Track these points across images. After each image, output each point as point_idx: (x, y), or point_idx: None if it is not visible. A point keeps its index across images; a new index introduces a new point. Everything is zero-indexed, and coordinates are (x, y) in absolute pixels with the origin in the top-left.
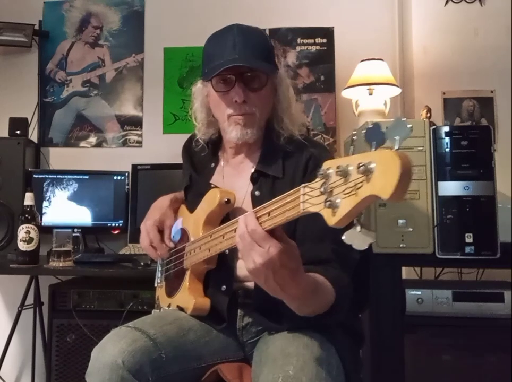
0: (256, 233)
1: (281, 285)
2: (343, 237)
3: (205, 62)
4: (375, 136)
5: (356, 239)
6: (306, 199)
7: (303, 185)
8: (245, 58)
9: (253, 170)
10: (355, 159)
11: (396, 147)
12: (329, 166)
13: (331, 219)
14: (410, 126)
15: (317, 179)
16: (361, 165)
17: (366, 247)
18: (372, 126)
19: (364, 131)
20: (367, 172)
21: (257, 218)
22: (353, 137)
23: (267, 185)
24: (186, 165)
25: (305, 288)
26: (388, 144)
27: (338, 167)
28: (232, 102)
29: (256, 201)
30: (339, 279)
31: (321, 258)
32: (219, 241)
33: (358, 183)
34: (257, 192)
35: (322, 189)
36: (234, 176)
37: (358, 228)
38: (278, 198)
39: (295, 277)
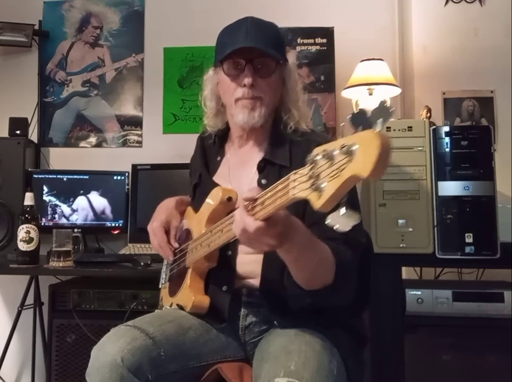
0: (254, 231)
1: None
2: (327, 221)
3: (218, 50)
4: (361, 121)
5: (340, 220)
6: (296, 185)
7: (293, 172)
8: (256, 44)
9: (259, 159)
10: (340, 142)
11: (378, 128)
12: (317, 152)
13: (317, 203)
14: (393, 109)
15: (306, 165)
16: (344, 147)
17: (349, 228)
18: (358, 111)
19: (350, 116)
20: (349, 153)
21: (252, 208)
22: (342, 124)
23: (274, 173)
24: (199, 161)
25: (300, 238)
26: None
27: (324, 150)
28: (241, 86)
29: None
30: (340, 251)
31: (326, 237)
32: (218, 236)
33: (342, 165)
34: (263, 181)
35: (310, 174)
36: (240, 167)
37: (343, 210)
38: (270, 187)
39: (292, 238)
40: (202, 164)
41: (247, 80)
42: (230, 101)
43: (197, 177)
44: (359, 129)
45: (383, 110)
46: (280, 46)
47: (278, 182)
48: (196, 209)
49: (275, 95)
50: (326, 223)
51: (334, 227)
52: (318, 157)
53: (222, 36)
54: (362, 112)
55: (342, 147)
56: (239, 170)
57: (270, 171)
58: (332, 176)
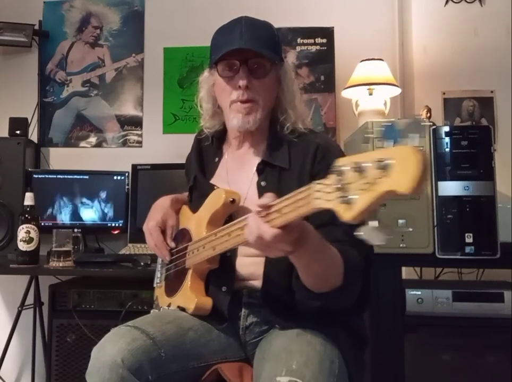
0: (272, 239)
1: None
2: (359, 233)
3: (213, 51)
4: (391, 133)
5: (373, 234)
6: (319, 195)
7: (316, 182)
8: (250, 45)
9: (258, 161)
10: (372, 155)
11: (414, 144)
12: (344, 162)
13: (347, 214)
14: (429, 123)
15: (330, 175)
16: (379, 161)
17: (383, 242)
18: (390, 124)
19: (382, 128)
20: (385, 167)
21: (267, 215)
22: (367, 135)
23: (273, 176)
24: (194, 163)
25: (312, 243)
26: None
27: (354, 163)
28: (236, 87)
29: (263, 192)
30: (348, 253)
31: (332, 238)
32: (225, 239)
33: (376, 178)
34: (263, 183)
35: (337, 186)
36: (238, 169)
37: (376, 223)
38: (288, 195)
39: (305, 243)
40: (197, 167)
41: (242, 82)
42: (225, 103)
43: (192, 180)
44: (390, 141)
45: (417, 125)
46: (275, 46)
47: (298, 190)
48: (194, 210)
49: (270, 96)
50: (357, 234)
51: (368, 241)
52: (345, 169)
53: (216, 37)
54: (393, 126)
55: (378, 162)
56: (237, 172)
57: (269, 173)
58: (363, 190)
